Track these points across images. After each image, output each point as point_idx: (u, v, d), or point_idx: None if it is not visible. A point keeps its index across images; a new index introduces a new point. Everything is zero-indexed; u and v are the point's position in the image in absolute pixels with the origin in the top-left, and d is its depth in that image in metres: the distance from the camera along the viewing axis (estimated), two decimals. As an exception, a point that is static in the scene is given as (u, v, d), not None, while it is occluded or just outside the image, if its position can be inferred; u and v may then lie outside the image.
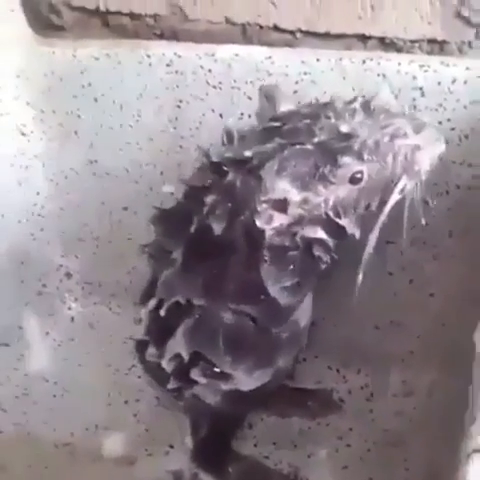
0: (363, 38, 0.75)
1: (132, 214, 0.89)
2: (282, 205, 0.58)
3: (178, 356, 0.67)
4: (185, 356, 0.66)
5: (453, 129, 0.69)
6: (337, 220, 0.60)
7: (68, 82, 0.84)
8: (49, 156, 0.89)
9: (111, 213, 0.90)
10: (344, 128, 0.58)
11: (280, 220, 0.59)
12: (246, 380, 0.68)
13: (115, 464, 0.79)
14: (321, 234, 0.60)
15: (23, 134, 0.87)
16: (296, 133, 0.58)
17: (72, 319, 0.97)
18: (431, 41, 0.73)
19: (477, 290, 0.61)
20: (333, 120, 0.59)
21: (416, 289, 0.78)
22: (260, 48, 0.76)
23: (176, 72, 0.78)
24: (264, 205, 0.58)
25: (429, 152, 0.59)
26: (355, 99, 0.60)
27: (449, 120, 0.69)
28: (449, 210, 0.73)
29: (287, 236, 0.60)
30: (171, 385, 0.70)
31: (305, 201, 0.58)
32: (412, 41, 0.73)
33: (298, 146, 0.57)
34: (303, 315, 0.70)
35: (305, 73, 0.73)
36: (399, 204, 0.60)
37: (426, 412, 0.77)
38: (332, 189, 0.58)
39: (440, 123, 0.69)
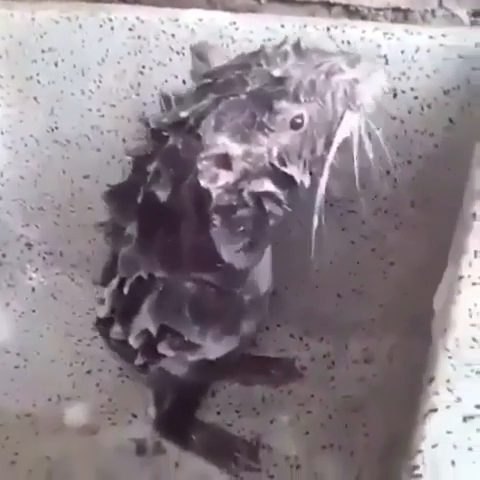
0: (328, 5, 0.75)
1: (94, 182, 0.87)
2: (225, 161, 0.57)
3: (145, 332, 0.66)
4: (153, 331, 0.65)
5: (416, 98, 0.70)
6: (283, 169, 0.59)
7: (27, 46, 0.82)
8: (8, 123, 0.87)
9: (72, 182, 0.89)
10: (276, 72, 0.57)
11: (225, 178, 0.58)
12: (214, 348, 0.69)
13: (78, 434, 0.79)
14: (269, 186, 0.59)
15: (-20, 100, 0.86)
16: (229, 85, 0.57)
17: (33, 290, 0.96)
18: (395, 9, 0.73)
19: (438, 260, 0.62)
20: (265, 66, 0.57)
21: (378, 258, 0.79)
22: (224, 13, 0.75)
23: (139, 37, 0.77)
24: (206, 163, 0.56)
25: (368, 84, 0.58)
26: (285, 42, 0.59)
27: (412, 89, 0.69)
28: (412, 180, 0.73)
29: (234, 194, 0.59)
30: (138, 361, 0.70)
31: (247, 154, 0.57)
32: (377, 9, 0.74)
33: (232, 98, 0.56)
34: (262, 278, 0.70)
35: (269, 39, 0.71)
36: (347, 143, 0.60)
37: (386, 379, 0.78)
38: (273, 137, 0.57)
39: (403, 92, 0.70)
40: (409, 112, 0.70)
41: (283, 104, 0.56)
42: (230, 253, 0.61)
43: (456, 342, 0.44)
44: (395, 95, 0.70)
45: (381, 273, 0.79)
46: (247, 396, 0.81)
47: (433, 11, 0.72)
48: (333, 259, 0.80)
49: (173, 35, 0.76)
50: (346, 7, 0.74)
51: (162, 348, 0.67)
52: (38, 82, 0.84)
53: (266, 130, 0.57)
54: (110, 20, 0.77)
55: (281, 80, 0.56)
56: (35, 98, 0.85)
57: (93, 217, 0.88)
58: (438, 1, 0.71)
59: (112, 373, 0.84)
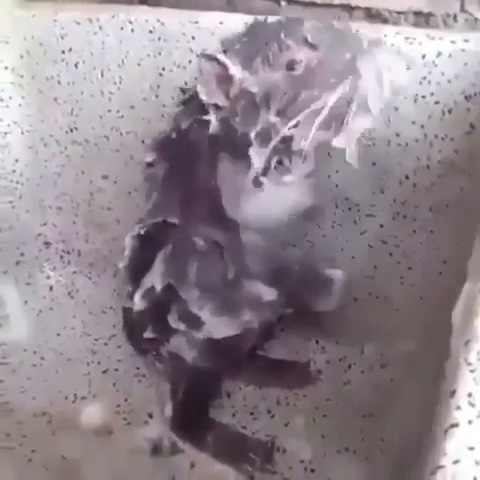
0: (348, 8, 0.74)
1: (112, 183, 0.88)
2: (226, 79, 0.60)
3: (151, 291, 0.69)
4: (158, 287, 0.69)
5: (437, 103, 0.69)
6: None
7: (48, 47, 0.82)
8: (28, 123, 0.88)
9: (91, 181, 0.89)
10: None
11: (221, 100, 0.61)
12: (215, 325, 0.70)
13: (94, 433, 0.79)
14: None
15: (1, 99, 0.86)
16: None
17: (51, 288, 0.97)
18: (417, 13, 0.73)
19: (455, 264, 0.61)
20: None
21: (395, 262, 0.79)
22: (244, 16, 0.74)
23: (159, 39, 0.77)
24: (208, 77, 0.61)
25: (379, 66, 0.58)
26: None
27: (432, 94, 0.69)
28: (431, 185, 0.73)
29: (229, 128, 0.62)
30: (148, 334, 0.72)
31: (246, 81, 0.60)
32: (398, 12, 0.73)
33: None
34: None
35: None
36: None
37: (402, 384, 0.78)
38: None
39: (424, 97, 0.69)
40: (429, 117, 0.69)
41: (290, 43, 0.58)
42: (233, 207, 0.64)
43: (478, 356, 0.43)
44: (415, 100, 0.69)
45: (398, 278, 0.79)
46: (262, 398, 0.81)
47: (455, 15, 0.71)
48: (350, 263, 0.79)
49: (193, 37, 0.76)
50: (367, 10, 0.74)
51: (172, 320, 0.69)
52: (58, 83, 0.84)
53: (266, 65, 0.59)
54: (130, 22, 0.78)
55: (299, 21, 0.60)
56: (55, 99, 0.85)
57: (111, 216, 0.89)
58: (460, 5, 0.71)
59: (128, 373, 0.84)
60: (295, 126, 0.59)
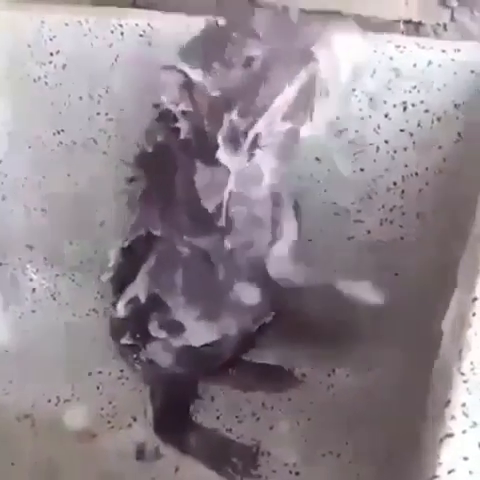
0: (339, 16, 0.75)
1: (99, 185, 0.87)
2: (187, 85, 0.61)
3: (134, 300, 0.70)
4: (142, 298, 0.69)
5: (426, 111, 0.70)
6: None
7: (36, 48, 0.81)
8: (15, 124, 0.87)
9: (77, 184, 0.89)
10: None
11: (184, 105, 0.62)
12: (195, 330, 0.70)
13: (77, 436, 0.79)
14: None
15: (-14, 101, 0.85)
16: None
17: (33, 290, 0.96)
18: (407, 22, 0.73)
19: (443, 272, 0.62)
20: None
21: (382, 268, 0.79)
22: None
23: (149, 43, 0.77)
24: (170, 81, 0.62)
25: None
26: None
27: (422, 102, 0.70)
28: (419, 192, 0.74)
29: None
30: (125, 340, 0.73)
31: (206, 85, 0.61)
32: (388, 21, 0.74)
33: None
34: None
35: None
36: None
37: (387, 389, 0.78)
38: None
39: (413, 105, 0.70)
40: (418, 125, 0.70)
41: (243, 39, 0.59)
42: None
43: (471, 366, 0.43)
44: (405, 108, 0.70)
45: (385, 284, 0.79)
46: (247, 401, 0.81)
47: (445, 25, 0.72)
48: (337, 268, 0.80)
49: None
50: (357, 18, 0.74)
51: (152, 327, 0.70)
52: (45, 84, 0.83)
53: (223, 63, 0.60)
54: (121, 25, 0.77)
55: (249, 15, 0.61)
56: (42, 100, 0.84)
57: (96, 219, 0.88)
58: (450, 15, 0.72)
59: (112, 375, 0.84)
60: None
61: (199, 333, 0.71)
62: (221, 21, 0.63)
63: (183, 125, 0.62)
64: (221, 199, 0.63)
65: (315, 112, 0.60)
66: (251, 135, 0.60)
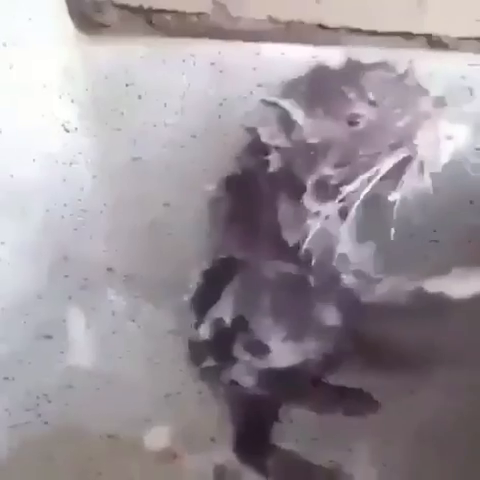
0: (409, 36, 0.74)
1: (173, 211, 0.89)
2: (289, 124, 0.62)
3: (218, 322, 0.70)
4: (228, 321, 0.69)
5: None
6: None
7: (112, 80, 0.84)
8: (93, 153, 0.89)
9: (153, 209, 0.91)
10: None
11: (281, 142, 0.62)
12: (281, 352, 0.70)
13: (157, 457, 0.80)
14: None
15: (67, 131, 0.88)
16: None
17: (113, 313, 0.98)
18: (478, 39, 0.72)
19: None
20: None
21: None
22: (305, 47, 0.75)
23: (220, 71, 0.78)
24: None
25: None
26: None
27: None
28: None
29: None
30: (207, 363, 0.74)
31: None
32: (459, 39, 0.73)
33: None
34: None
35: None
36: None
37: (469, 412, 0.77)
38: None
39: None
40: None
41: (351, 96, 0.58)
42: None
43: None
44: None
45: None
46: (325, 424, 0.80)
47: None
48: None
49: (254, 68, 0.77)
50: (428, 37, 0.74)
51: (237, 350, 0.70)
52: (122, 114, 0.86)
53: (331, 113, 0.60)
54: (192, 55, 0.79)
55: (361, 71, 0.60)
56: (119, 129, 0.87)
57: (171, 243, 0.90)
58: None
59: (192, 397, 0.85)
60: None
61: (284, 354, 0.71)
62: (329, 64, 0.63)
63: (274, 159, 0.63)
64: (302, 235, 0.64)
65: (405, 184, 0.59)
66: (345, 191, 0.60)
